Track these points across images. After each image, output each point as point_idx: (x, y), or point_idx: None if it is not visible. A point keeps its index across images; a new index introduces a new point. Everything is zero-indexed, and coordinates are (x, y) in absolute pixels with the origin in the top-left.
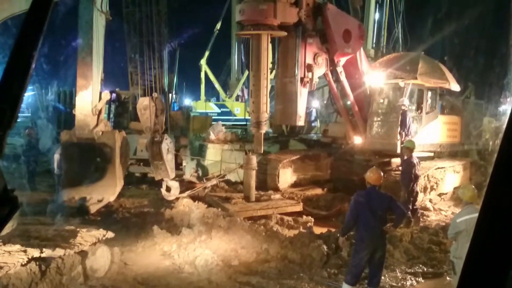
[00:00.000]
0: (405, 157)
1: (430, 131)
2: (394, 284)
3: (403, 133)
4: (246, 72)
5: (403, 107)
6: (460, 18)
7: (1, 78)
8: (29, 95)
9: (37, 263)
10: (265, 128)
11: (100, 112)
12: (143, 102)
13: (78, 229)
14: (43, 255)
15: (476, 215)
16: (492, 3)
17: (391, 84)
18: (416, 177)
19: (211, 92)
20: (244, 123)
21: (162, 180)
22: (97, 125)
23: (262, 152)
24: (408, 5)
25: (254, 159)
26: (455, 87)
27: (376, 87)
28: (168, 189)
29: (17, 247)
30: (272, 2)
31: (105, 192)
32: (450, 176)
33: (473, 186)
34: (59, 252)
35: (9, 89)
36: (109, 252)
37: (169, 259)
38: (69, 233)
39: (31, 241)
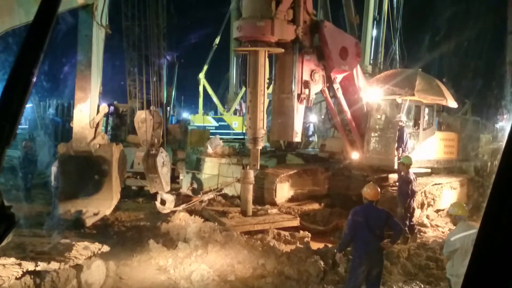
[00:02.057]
0: (402, 173)
1: (427, 147)
2: None
3: (400, 149)
4: (244, 88)
5: (400, 123)
6: (458, 36)
7: (1, 94)
8: (27, 107)
9: (32, 276)
10: (261, 144)
11: (97, 125)
12: (141, 115)
13: (73, 243)
14: (38, 268)
15: (470, 232)
16: (490, 22)
17: (388, 100)
18: (413, 193)
19: (209, 105)
20: (242, 137)
21: (157, 193)
22: (94, 138)
23: (258, 167)
24: (406, 22)
25: (251, 174)
26: (452, 103)
27: (373, 103)
28: (163, 202)
29: (12, 260)
30: (270, 19)
31: (101, 205)
32: (447, 192)
33: (462, 203)
34: (54, 265)
35: (8, 106)
36: (104, 266)
37: (165, 273)
38: (65, 247)
39: (26, 254)
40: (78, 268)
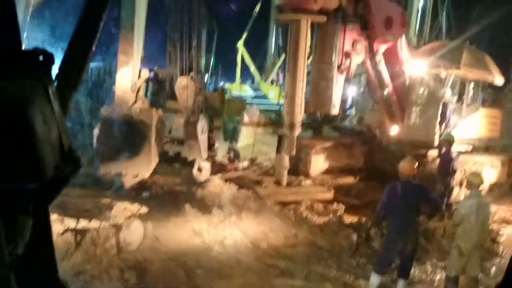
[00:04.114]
0: (444, 150)
1: (470, 124)
2: (424, 277)
3: (443, 125)
4: (283, 56)
5: (444, 98)
6: (509, 9)
7: (70, 39)
8: None
9: (73, 233)
10: (298, 131)
11: (139, 89)
12: (182, 81)
13: (113, 203)
14: (79, 226)
15: (481, 200)
16: None
17: (432, 74)
18: (454, 171)
19: (246, 74)
20: (278, 107)
21: (194, 160)
22: (135, 102)
23: (294, 154)
24: None
25: (286, 159)
26: (499, 80)
27: (416, 76)
28: (200, 170)
29: (55, 216)
30: None
31: (140, 168)
32: (487, 171)
33: (480, 172)
34: (94, 224)
35: (77, 51)
36: (143, 227)
37: (199, 237)
38: (105, 206)
39: (68, 211)
40: (118, 227)
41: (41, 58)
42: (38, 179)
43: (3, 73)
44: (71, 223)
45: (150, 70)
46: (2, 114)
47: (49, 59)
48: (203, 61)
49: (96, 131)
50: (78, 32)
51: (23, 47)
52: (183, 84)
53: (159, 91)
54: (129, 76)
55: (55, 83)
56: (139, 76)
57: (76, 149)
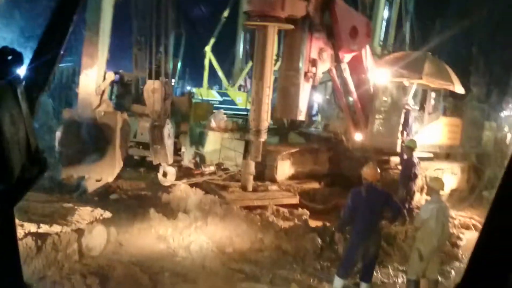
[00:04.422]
0: (406, 156)
1: (431, 132)
2: (386, 280)
3: (405, 132)
4: (250, 63)
5: (406, 106)
6: (469, 21)
7: (39, 39)
8: None
9: (34, 238)
10: (264, 137)
11: (103, 92)
12: (152, 85)
13: (75, 207)
14: (40, 230)
15: (441, 204)
16: (502, 5)
17: (395, 83)
18: (415, 177)
19: (214, 80)
20: (246, 113)
21: (159, 164)
22: (99, 105)
23: (260, 160)
24: (418, 4)
25: (252, 165)
26: (459, 89)
27: (380, 84)
28: (165, 174)
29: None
30: None
31: (104, 173)
32: (448, 177)
33: (441, 178)
34: (56, 228)
35: (46, 51)
36: (106, 232)
37: (164, 242)
38: (67, 211)
39: (29, 216)
40: (80, 232)
41: (9, 57)
42: (6, 181)
43: None
44: (31, 227)
45: (115, 73)
46: None
47: (18, 59)
48: (170, 65)
49: (58, 134)
50: (48, 33)
51: None
52: (153, 88)
53: (124, 94)
54: (93, 79)
55: (23, 84)
56: (104, 79)
57: (42, 151)
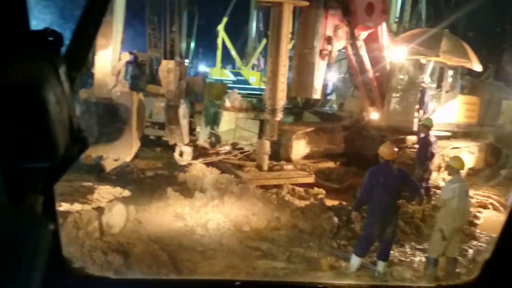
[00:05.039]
0: (422, 135)
1: (448, 110)
2: (403, 259)
3: (421, 110)
4: (264, 41)
5: (423, 85)
6: None
7: (79, 20)
8: None
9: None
10: (280, 116)
11: (119, 72)
12: (167, 65)
13: (95, 186)
14: (61, 209)
15: (463, 184)
16: None
17: (412, 61)
18: (432, 156)
19: (227, 59)
20: (259, 92)
21: (176, 144)
22: (115, 85)
23: (276, 139)
24: None
25: (267, 144)
26: (477, 67)
27: (396, 62)
28: (181, 154)
29: None
30: None
31: (121, 152)
32: (465, 156)
33: (461, 157)
34: (76, 207)
35: (84, 31)
36: (125, 210)
37: (182, 220)
38: (87, 190)
39: None
40: (100, 210)
41: (50, 39)
42: (51, 159)
43: (14, 54)
44: None
45: (130, 53)
46: (17, 96)
47: (58, 39)
48: (183, 45)
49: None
50: (86, 14)
51: (32, 28)
52: (168, 68)
53: (139, 74)
54: (109, 59)
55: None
56: (120, 59)
57: (83, 130)
